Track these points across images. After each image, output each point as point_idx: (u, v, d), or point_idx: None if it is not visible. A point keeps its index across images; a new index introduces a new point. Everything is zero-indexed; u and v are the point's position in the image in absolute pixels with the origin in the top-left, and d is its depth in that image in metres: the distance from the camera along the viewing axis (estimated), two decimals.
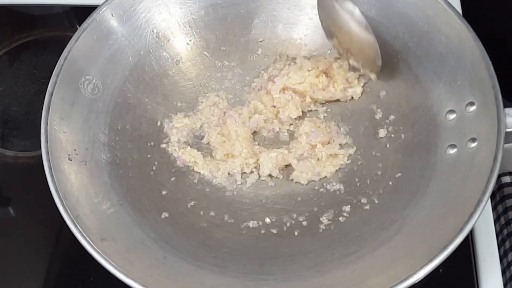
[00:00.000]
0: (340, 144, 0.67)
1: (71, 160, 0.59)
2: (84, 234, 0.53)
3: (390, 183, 0.62)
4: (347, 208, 0.62)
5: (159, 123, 0.68)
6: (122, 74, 0.67)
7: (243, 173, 0.66)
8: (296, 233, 0.61)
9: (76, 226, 0.53)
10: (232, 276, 0.56)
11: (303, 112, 0.69)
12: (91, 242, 0.53)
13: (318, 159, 0.65)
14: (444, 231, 0.52)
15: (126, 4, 0.67)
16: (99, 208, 0.58)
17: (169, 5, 0.70)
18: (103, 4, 0.65)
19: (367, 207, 0.61)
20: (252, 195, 0.65)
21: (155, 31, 0.70)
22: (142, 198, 0.62)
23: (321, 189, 0.64)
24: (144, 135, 0.67)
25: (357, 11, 0.62)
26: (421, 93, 0.64)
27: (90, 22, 0.64)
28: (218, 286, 0.55)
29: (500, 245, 0.69)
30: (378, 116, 0.67)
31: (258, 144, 0.68)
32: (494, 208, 0.76)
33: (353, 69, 0.68)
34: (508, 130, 0.55)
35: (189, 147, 0.67)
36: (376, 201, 0.61)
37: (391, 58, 0.67)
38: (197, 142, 0.69)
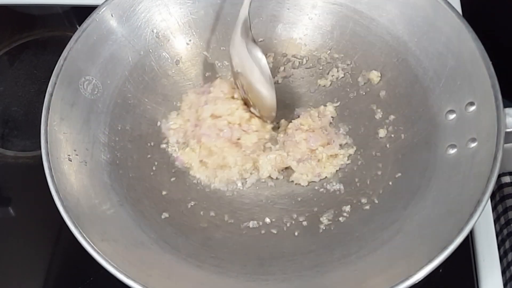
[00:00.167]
0: (340, 145, 0.67)
1: (71, 161, 0.59)
2: (84, 235, 0.53)
3: (390, 183, 0.62)
4: (347, 208, 0.62)
5: (159, 123, 0.68)
6: (122, 74, 0.67)
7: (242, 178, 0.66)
8: (296, 233, 0.61)
9: (76, 227, 0.53)
10: (232, 276, 0.56)
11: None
12: (91, 243, 0.53)
13: (318, 160, 0.65)
14: (444, 231, 0.52)
15: (125, 4, 0.67)
16: (99, 209, 0.58)
17: (169, 5, 0.70)
18: (102, 4, 0.65)
19: (367, 207, 0.61)
20: (252, 195, 0.65)
21: (155, 31, 0.70)
22: (142, 199, 0.62)
23: (321, 189, 0.64)
24: (144, 135, 0.67)
25: (263, 61, 0.62)
26: (421, 93, 0.64)
27: (90, 22, 0.64)
28: (218, 286, 0.55)
29: (500, 245, 0.69)
30: (378, 116, 0.67)
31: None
32: (494, 208, 0.76)
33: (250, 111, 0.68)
34: (508, 130, 0.55)
35: (188, 148, 0.67)
36: (376, 201, 0.61)
37: (391, 58, 0.67)
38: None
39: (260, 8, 0.72)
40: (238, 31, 0.63)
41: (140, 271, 0.53)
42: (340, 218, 0.61)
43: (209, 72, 0.72)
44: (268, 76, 0.63)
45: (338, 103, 0.70)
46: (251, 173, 0.66)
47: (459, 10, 0.77)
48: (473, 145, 0.56)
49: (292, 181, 0.65)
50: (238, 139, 0.66)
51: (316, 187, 0.65)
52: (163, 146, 0.67)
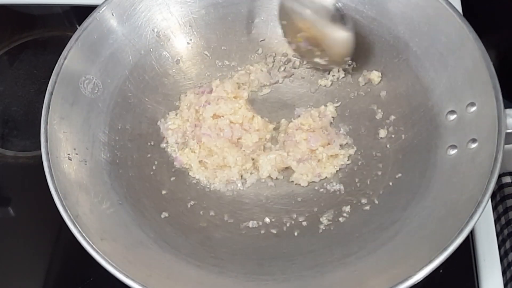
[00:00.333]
0: (340, 145, 0.66)
1: (71, 160, 0.59)
2: (84, 234, 0.53)
3: (390, 183, 0.62)
4: (347, 208, 0.62)
5: (159, 123, 0.68)
6: (122, 74, 0.67)
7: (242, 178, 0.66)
8: (296, 233, 0.61)
9: (75, 226, 0.53)
10: (232, 276, 0.56)
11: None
12: (90, 242, 0.52)
13: (318, 160, 0.65)
14: (445, 232, 0.52)
15: (126, 3, 0.67)
16: (99, 208, 0.58)
17: (169, 4, 0.70)
18: (103, 3, 0.65)
19: (367, 207, 0.61)
20: (252, 195, 0.65)
21: (155, 30, 0.70)
22: (142, 198, 0.62)
23: (321, 189, 0.64)
24: (144, 135, 0.67)
25: (328, 1, 0.61)
26: (422, 94, 0.64)
27: (90, 21, 0.64)
28: (217, 286, 0.55)
29: (500, 245, 0.69)
30: (379, 116, 0.67)
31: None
32: (494, 208, 0.76)
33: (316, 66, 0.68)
34: (509, 131, 0.55)
35: (187, 148, 0.67)
36: (376, 202, 0.61)
37: (391, 58, 0.67)
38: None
39: (261, 8, 0.72)
40: None
41: (140, 270, 0.53)
42: (340, 219, 0.61)
43: (209, 72, 0.72)
44: (339, 16, 0.61)
45: (339, 103, 0.70)
46: (251, 173, 0.66)
47: (460, 10, 0.77)
48: (474, 145, 0.56)
49: (292, 181, 0.65)
50: (239, 138, 0.66)
51: (316, 187, 0.65)
52: (163, 145, 0.67)
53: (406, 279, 0.49)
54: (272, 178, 0.66)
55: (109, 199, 0.60)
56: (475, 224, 0.51)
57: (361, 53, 0.70)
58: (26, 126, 0.76)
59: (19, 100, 0.79)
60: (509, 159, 0.56)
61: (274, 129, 0.69)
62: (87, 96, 0.64)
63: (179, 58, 0.71)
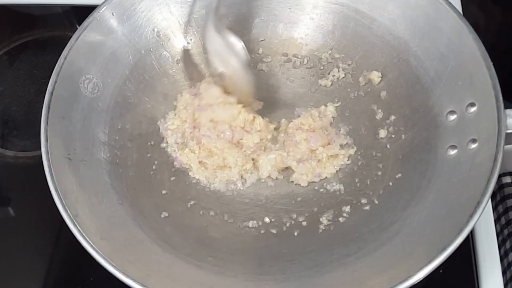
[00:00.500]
0: (340, 145, 0.66)
1: (71, 160, 0.59)
2: (84, 234, 0.53)
3: (390, 183, 0.62)
4: (347, 208, 0.62)
5: (158, 123, 0.68)
6: (123, 73, 0.67)
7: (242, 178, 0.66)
8: (295, 233, 0.61)
9: (75, 226, 0.53)
10: (232, 276, 0.56)
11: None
12: (90, 242, 0.52)
13: (318, 160, 0.65)
14: (445, 232, 0.52)
15: (126, 3, 0.67)
16: (99, 208, 0.58)
17: (169, 4, 0.70)
18: (103, 3, 0.65)
19: (367, 207, 0.61)
20: (252, 195, 0.65)
21: (155, 30, 0.70)
22: (141, 198, 0.62)
23: (321, 190, 0.64)
24: (144, 134, 0.67)
25: (239, 46, 0.62)
26: (422, 94, 0.64)
27: (90, 21, 0.64)
28: (217, 286, 0.55)
29: (500, 245, 0.69)
30: (379, 116, 0.67)
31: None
32: (494, 208, 0.76)
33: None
34: (509, 131, 0.55)
35: (187, 149, 0.66)
36: (376, 202, 0.61)
37: (391, 58, 0.67)
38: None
39: (261, 7, 0.72)
40: (211, 23, 0.63)
41: (139, 270, 0.53)
42: (340, 219, 0.61)
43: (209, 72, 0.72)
44: (245, 61, 0.62)
45: (339, 103, 0.70)
46: (251, 173, 0.66)
47: (460, 10, 0.77)
48: (474, 146, 0.56)
49: (292, 181, 0.65)
50: (240, 140, 0.66)
51: (316, 187, 0.65)
52: (163, 145, 0.67)
53: (406, 279, 0.49)
54: (272, 178, 0.65)
55: (109, 199, 0.60)
56: (475, 224, 0.51)
57: (361, 53, 0.70)
58: (26, 126, 0.76)
59: (19, 100, 0.79)
60: (509, 159, 0.56)
61: (275, 129, 0.69)
62: (87, 96, 0.64)
63: (179, 58, 0.71)
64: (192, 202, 0.63)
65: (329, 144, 0.66)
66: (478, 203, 0.51)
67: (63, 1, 0.87)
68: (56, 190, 0.55)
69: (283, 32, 0.73)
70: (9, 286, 0.65)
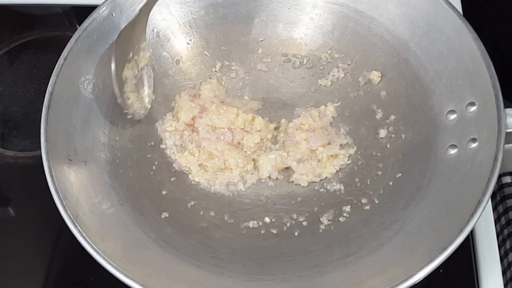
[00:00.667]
0: (340, 145, 0.66)
1: (71, 160, 0.59)
2: (84, 234, 0.53)
3: (391, 183, 0.62)
4: (347, 208, 0.62)
5: (157, 124, 0.68)
6: None
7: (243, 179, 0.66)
8: (296, 233, 0.61)
9: (75, 226, 0.53)
10: (232, 276, 0.56)
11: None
12: (90, 242, 0.52)
13: (318, 160, 0.65)
14: (445, 232, 0.52)
15: (126, 4, 0.67)
16: (99, 208, 0.58)
17: (169, 5, 0.70)
18: (103, 3, 0.65)
19: (367, 207, 0.61)
20: (252, 195, 0.65)
21: (155, 30, 0.70)
22: (142, 198, 0.62)
23: (321, 189, 0.64)
24: (144, 135, 0.67)
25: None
26: (422, 93, 0.64)
27: (90, 21, 0.64)
28: (217, 286, 0.55)
29: (500, 245, 0.69)
30: (379, 116, 0.67)
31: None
32: (494, 208, 0.76)
33: None
34: (509, 130, 0.55)
35: (187, 151, 0.66)
36: (377, 202, 0.61)
37: (391, 58, 0.67)
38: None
39: (261, 7, 0.72)
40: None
41: (140, 270, 0.53)
42: (340, 218, 0.61)
43: (209, 72, 0.72)
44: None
45: (339, 103, 0.70)
46: (251, 174, 0.66)
47: (460, 10, 0.77)
48: (474, 145, 0.56)
49: (292, 181, 0.65)
50: (241, 140, 0.66)
51: (316, 187, 0.65)
52: (163, 146, 0.67)
53: (406, 279, 0.49)
54: (272, 178, 0.66)
55: (109, 199, 0.60)
56: (475, 224, 0.51)
57: (360, 53, 0.70)
58: (26, 126, 0.76)
59: (19, 100, 0.79)
60: (509, 159, 0.55)
61: (275, 128, 0.69)
62: (87, 96, 0.64)
63: (179, 58, 0.71)
64: (192, 203, 0.63)
65: (329, 144, 0.66)
66: (478, 203, 0.51)
67: (63, 1, 0.87)
68: (56, 190, 0.55)
69: (283, 32, 0.73)
70: (9, 286, 0.65)
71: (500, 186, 0.76)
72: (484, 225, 0.65)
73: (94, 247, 0.52)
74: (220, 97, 0.69)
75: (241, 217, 0.62)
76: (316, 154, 0.65)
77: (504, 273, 0.65)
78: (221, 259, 0.57)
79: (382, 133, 0.66)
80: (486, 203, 0.51)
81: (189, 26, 0.71)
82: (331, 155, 0.65)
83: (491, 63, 0.57)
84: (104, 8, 0.65)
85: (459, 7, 0.79)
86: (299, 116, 0.69)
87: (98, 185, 0.60)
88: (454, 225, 0.51)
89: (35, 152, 0.73)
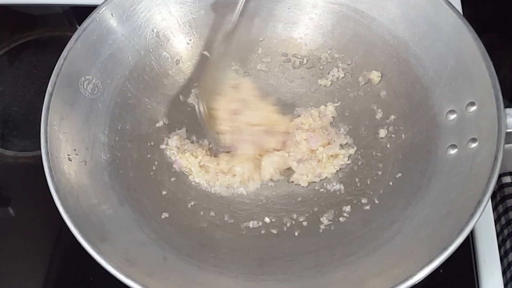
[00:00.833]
0: (340, 145, 0.66)
1: (71, 160, 0.59)
2: (84, 234, 0.53)
3: (391, 183, 0.62)
4: (347, 208, 0.62)
5: (159, 123, 0.68)
6: (122, 74, 0.67)
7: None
8: (296, 233, 0.61)
9: (76, 227, 0.53)
10: (232, 276, 0.56)
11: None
12: (91, 243, 0.52)
13: (318, 160, 0.65)
14: (445, 232, 0.52)
15: (126, 4, 0.67)
16: (99, 209, 0.58)
17: (169, 5, 0.70)
18: (103, 3, 0.65)
19: (368, 207, 0.61)
20: (252, 195, 0.65)
21: (155, 30, 0.70)
22: (142, 198, 0.62)
23: (321, 189, 0.64)
24: (144, 135, 0.67)
25: None
26: (422, 93, 0.64)
27: (90, 22, 0.64)
28: (218, 286, 0.55)
29: (500, 245, 0.69)
30: (379, 116, 0.67)
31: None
32: (494, 208, 0.76)
33: None
34: (509, 130, 0.55)
35: (188, 152, 0.66)
36: (377, 202, 0.61)
37: (391, 58, 0.67)
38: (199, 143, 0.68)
39: (261, 7, 0.72)
40: None
41: (140, 271, 0.53)
42: (341, 218, 0.61)
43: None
44: None
45: (339, 103, 0.70)
46: (254, 180, 0.65)
47: (460, 10, 0.77)
48: (474, 145, 0.56)
49: (292, 182, 0.65)
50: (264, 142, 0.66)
51: (317, 187, 0.65)
52: (163, 146, 0.67)
53: (406, 279, 0.49)
54: (273, 180, 0.65)
55: (109, 200, 0.60)
56: (475, 224, 0.51)
57: (360, 53, 0.70)
58: (26, 126, 0.76)
59: (19, 100, 0.79)
60: (509, 159, 0.55)
61: None
62: (87, 97, 0.64)
63: (178, 58, 0.71)
64: (192, 203, 0.63)
65: (329, 144, 0.66)
66: (479, 203, 0.51)
67: (63, 1, 0.87)
68: (56, 191, 0.55)
69: (283, 32, 0.73)
70: (9, 286, 0.65)
71: (500, 186, 0.76)
72: (484, 225, 0.65)
73: (94, 247, 0.52)
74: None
75: (241, 217, 0.63)
76: (316, 154, 0.65)
77: (504, 273, 0.65)
78: (221, 259, 0.57)
79: (382, 133, 0.66)
80: (486, 203, 0.51)
81: (189, 26, 0.71)
82: (331, 155, 0.65)
83: (491, 63, 0.57)
84: (104, 7, 0.65)
85: (459, 7, 0.79)
86: (299, 116, 0.69)
87: (98, 185, 0.60)
88: (454, 225, 0.51)
89: (35, 152, 0.73)
